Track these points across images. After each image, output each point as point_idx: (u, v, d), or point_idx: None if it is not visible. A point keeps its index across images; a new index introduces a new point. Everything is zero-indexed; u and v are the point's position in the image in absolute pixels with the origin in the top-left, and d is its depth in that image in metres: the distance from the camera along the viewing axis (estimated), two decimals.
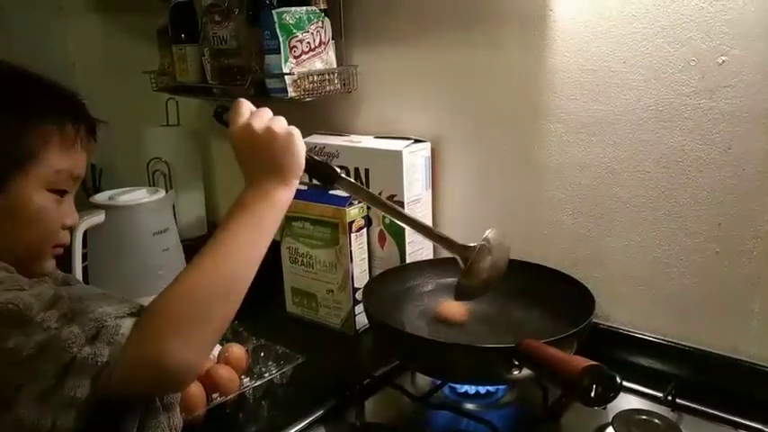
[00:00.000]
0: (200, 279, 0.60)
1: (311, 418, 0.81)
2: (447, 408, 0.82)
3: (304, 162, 0.69)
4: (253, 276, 0.64)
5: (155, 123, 1.47)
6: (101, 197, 0.97)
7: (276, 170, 0.67)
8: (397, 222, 0.75)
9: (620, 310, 0.92)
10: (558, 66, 0.91)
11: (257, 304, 0.70)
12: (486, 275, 0.76)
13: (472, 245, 0.76)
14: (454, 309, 0.90)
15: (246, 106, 0.69)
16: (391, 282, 0.97)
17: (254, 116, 0.68)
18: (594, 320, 0.81)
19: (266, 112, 0.69)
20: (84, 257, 0.93)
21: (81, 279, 0.92)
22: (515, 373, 0.73)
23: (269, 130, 0.67)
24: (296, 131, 0.69)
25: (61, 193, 0.67)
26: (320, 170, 0.74)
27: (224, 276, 0.61)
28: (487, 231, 0.78)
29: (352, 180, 0.73)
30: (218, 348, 0.95)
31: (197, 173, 1.47)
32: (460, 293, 0.80)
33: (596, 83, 0.88)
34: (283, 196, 0.67)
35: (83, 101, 0.70)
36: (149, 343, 0.56)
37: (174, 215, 1.14)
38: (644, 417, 0.76)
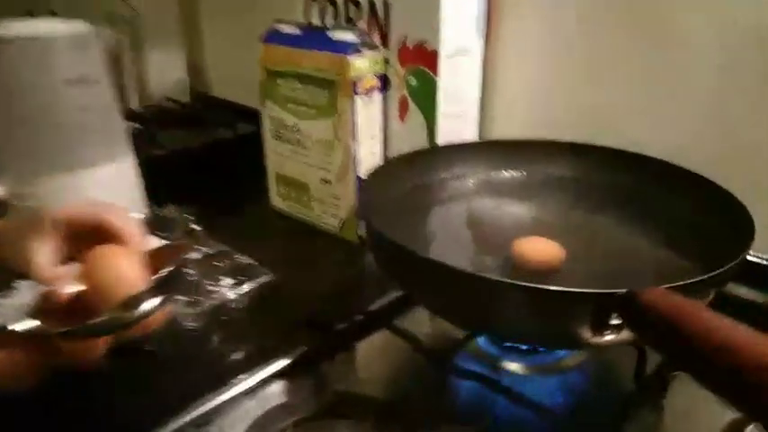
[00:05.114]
0: None
1: (264, 375, 0.52)
2: (475, 378, 0.50)
3: None
4: None
5: None
6: None
7: None
8: None
9: None
10: None
11: (234, 194, 0.50)
12: None
13: None
14: (540, 248, 0.51)
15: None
16: (411, 171, 0.63)
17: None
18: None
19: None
20: None
21: None
22: (607, 337, 0.41)
23: None
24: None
25: None
26: None
27: None
28: None
29: None
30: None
31: (172, 24, 1.14)
32: None
33: None
34: None
35: None
36: None
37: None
38: None
